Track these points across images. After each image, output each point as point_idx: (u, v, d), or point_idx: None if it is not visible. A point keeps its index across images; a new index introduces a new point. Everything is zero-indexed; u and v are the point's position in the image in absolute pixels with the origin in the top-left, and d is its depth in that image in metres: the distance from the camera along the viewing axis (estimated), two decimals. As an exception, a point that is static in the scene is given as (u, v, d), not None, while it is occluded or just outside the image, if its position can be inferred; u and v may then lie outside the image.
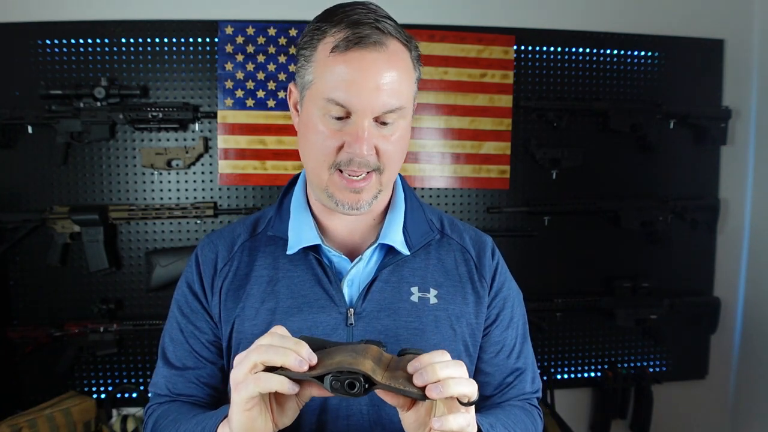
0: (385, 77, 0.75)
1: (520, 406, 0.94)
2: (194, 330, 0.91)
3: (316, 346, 0.66)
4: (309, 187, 0.91)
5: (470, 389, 0.63)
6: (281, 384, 0.61)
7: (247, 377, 0.62)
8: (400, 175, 0.96)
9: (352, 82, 0.74)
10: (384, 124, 0.78)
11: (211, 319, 0.91)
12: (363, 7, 0.77)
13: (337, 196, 0.81)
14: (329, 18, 0.77)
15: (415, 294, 0.87)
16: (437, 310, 0.88)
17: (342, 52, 0.74)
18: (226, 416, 0.71)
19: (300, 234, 0.87)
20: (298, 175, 0.96)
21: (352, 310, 0.85)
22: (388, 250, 0.89)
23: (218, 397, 0.93)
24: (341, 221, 0.89)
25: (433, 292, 0.88)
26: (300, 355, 0.61)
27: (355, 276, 0.87)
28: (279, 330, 0.66)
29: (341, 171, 0.79)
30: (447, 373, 0.61)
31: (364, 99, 0.75)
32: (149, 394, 0.94)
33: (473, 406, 0.65)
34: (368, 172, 0.80)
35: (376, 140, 0.77)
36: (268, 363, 0.62)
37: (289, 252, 0.87)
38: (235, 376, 0.64)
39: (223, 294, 0.89)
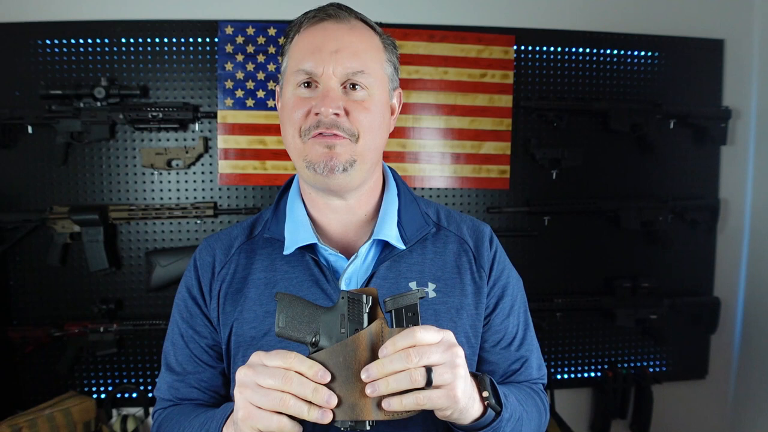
0: (344, 41, 0.82)
1: (528, 386, 0.94)
2: (194, 334, 0.91)
3: (302, 326, 0.69)
4: (298, 175, 0.92)
5: (409, 401, 0.63)
6: (290, 428, 0.63)
7: (253, 412, 0.63)
8: (392, 169, 0.97)
9: (315, 48, 0.81)
10: (354, 87, 0.82)
11: (210, 324, 0.91)
12: (338, 5, 0.85)
13: (312, 157, 0.82)
14: (304, 15, 0.86)
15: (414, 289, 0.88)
16: (437, 303, 0.88)
17: (307, 27, 0.84)
18: (228, 415, 0.71)
19: (296, 234, 0.88)
20: (293, 177, 0.97)
21: (350, 308, 0.85)
22: (384, 246, 0.89)
23: (221, 401, 0.94)
24: (335, 215, 0.90)
25: (431, 286, 0.89)
26: (321, 405, 0.62)
27: (353, 274, 0.87)
28: (294, 362, 0.64)
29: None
30: (390, 369, 0.63)
31: (324, 61, 0.80)
32: (151, 396, 0.95)
33: (438, 388, 0.65)
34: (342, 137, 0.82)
35: (345, 103, 0.81)
36: (293, 414, 0.62)
37: (285, 252, 0.87)
38: (240, 407, 0.65)
39: (221, 298, 0.89)
